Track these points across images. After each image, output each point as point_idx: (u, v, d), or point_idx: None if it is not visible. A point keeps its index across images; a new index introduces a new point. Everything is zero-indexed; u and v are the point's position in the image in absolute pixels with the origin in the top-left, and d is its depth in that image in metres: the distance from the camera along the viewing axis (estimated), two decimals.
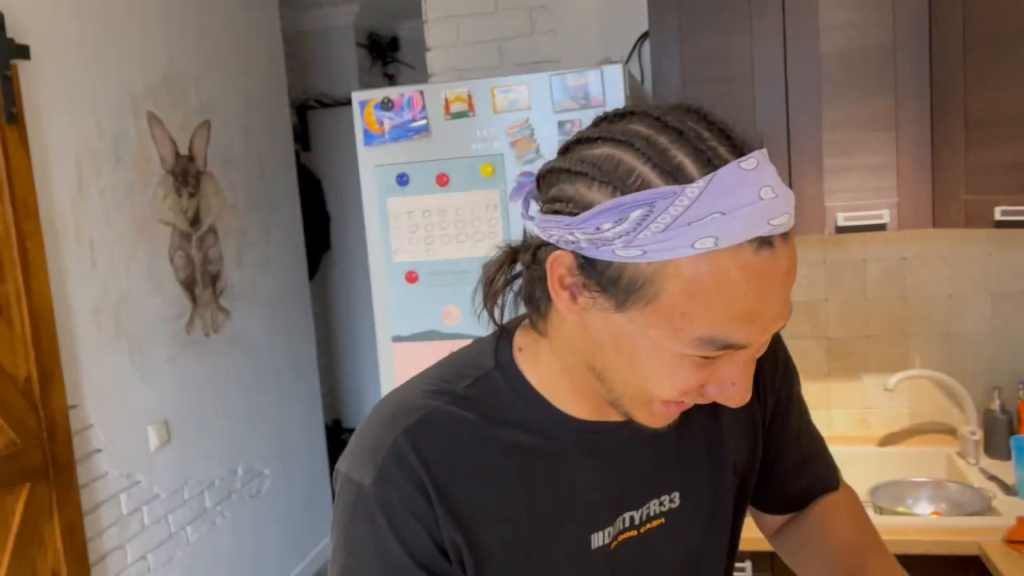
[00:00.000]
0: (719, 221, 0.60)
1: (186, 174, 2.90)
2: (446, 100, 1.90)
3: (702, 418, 0.83)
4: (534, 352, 0.78)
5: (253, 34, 3.44)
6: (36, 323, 2.19)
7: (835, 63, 1.97)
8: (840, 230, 2.00)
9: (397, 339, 1.99)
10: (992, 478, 1.96)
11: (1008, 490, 1.89)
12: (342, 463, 0.78)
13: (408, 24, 4.58)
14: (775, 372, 0.91)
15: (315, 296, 4.22)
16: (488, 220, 1.91)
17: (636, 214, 0.61)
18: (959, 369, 2.23)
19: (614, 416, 0.75)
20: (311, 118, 4.47)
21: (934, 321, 2.27)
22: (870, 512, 1.77)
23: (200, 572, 2.90)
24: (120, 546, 2.53)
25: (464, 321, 1.94)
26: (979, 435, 2.06)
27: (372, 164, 1.96)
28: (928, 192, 1.93)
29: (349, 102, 4.58)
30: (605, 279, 0.65)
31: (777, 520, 1.01)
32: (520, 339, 0.79)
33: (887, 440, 2.28)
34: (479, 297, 0.78)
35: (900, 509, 1.97)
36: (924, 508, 2.01)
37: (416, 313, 1.97)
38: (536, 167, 1.87)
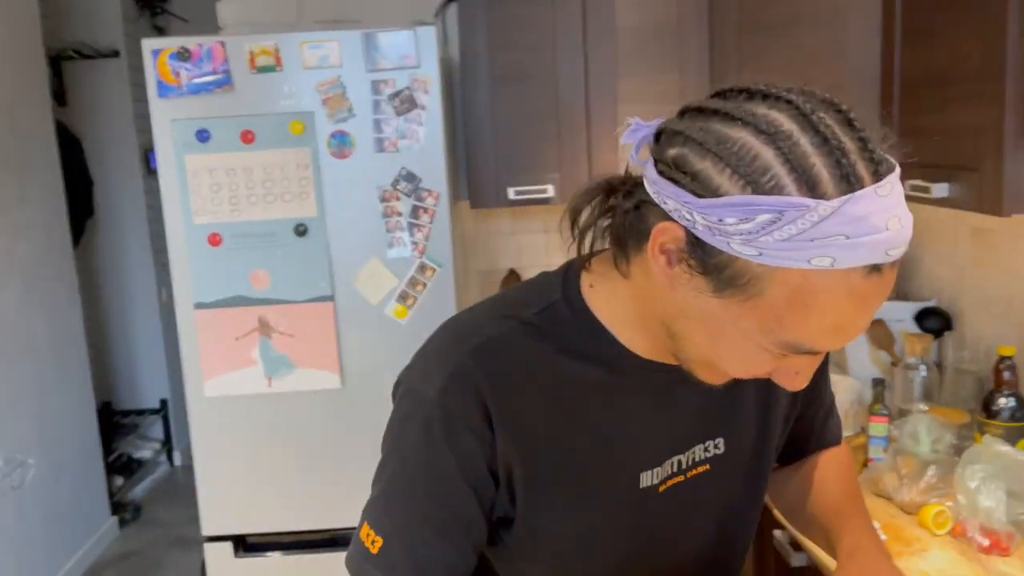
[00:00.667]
0: (841, 244, 0.60)
1: None
2: (251, 53, 1.81)
3: None
4: (608, 289, 0.78)
5: None
6: None
7: (630, 38, 2.11)
8: None
9: (200, 306, 1.88)
10: None
11: None
12: (405, 375, 0.79)
13: None
14: None
15: (79, 267, 3.84)
16: (299, 180, 1.85)
17: (764, 218, 0.60)
18: None
19: (673, 360, 0.76)
20: (68, 70, 4.02)
21: None
22: None
23: None
24: None
25: (274, 284, 1.87)
26: None
27: (167, 118, 1.82)
28: None
29: (115, 54, 4.16)
30: (711, 264, 0.64)
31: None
32: (591, 276, 0.79)
33: None
34: (566, 224, 0.77)
35: None
36: None
37: (220, 278, 1.87)
38: (349, 126, 1.84)
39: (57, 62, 3.96)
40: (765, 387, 0.86)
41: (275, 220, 1.86)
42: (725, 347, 0.69)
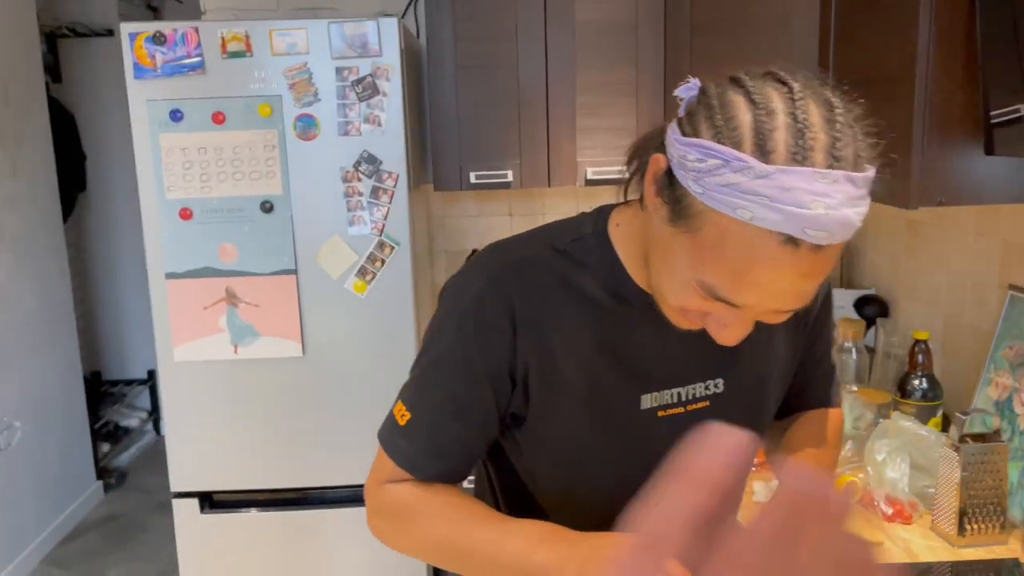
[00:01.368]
0: (763, 205, 0.68)
1: None
2: (223, 39, 1.91)
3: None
4: (630, 229, 0.89)
5: None
6: None
7: (589, 33, 2.21)
8: (589, 183, 2.27)
9: (171, 276, 2.00)
10: None
11: None
12: (451, 279, 0.93)
13: None
14: (820, 294, 1.02)
15: (70, 240, 3.94)
16: (266, 160, 1.96)
17: (713, 162, 0.70)
18: None
19: None
20: (63, 48, 4.12)
21: None
22: None
23: None
24: None
25: (241, 257, 1.99)
26: None
27: (143, 98, 1.93)
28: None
29: (109, 33, 4.25)
30: (674, 195, 0.74)
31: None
32: (619, 216, 0.91)
33: None
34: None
35: None
36: None
37: (191, 250, 1.99)
38: (315, 110, 1.95)
39: (53, 40, 4.06)
40: (766, 336, 0.95)
41: (243, 197, 1.97)
42: (667, 272, 0.79)
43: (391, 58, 1.94)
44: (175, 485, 2.11)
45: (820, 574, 0.64)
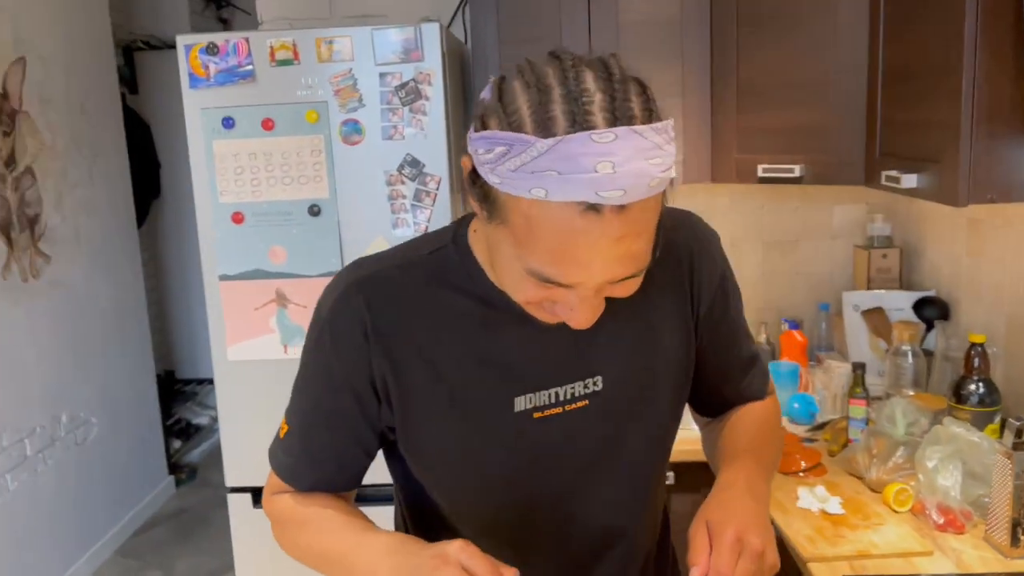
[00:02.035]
0: (554, 179, 0.68)
1: None
2: (271, 48, 1.97)
3: (630, 309, 0.88)
4: (483, 234, 0.88)
5: None
6: None
7: (633, 33, 2.19)
8: None
9: (224, 278, 2.07)
10: None
11: None
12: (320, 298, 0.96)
13: None
14: (712, 283, 0.99)
15: (145, 245, 4.12)
16: (313, 164, 2.01)
17: (500, 150, 0.70)
18: None
19: None
20: (139, 60, 4.31)
21: None
22: None
23: (20, 519, 2.86)
24: None
25: (290, 260, 2.04)
26: None
27: (198, 107, 2.01)
28: (708, 151, 2.21)
29: None
30: (482, 192, 0.75)
31: (703, 420, 1.14)
32: (476, 222, 0.91)
33: None
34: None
35: None
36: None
37: (242, 252, 2.06)
38: (360, 116, 2.00)
39: (129, 52, 4.26)
40: (646, 327, 0.94)
41: (291, 201, 2.03)
42: (503, 269, 0.80)
43: (433, 63, 1.97)
44: (230, 480, 2.18)
45: None
